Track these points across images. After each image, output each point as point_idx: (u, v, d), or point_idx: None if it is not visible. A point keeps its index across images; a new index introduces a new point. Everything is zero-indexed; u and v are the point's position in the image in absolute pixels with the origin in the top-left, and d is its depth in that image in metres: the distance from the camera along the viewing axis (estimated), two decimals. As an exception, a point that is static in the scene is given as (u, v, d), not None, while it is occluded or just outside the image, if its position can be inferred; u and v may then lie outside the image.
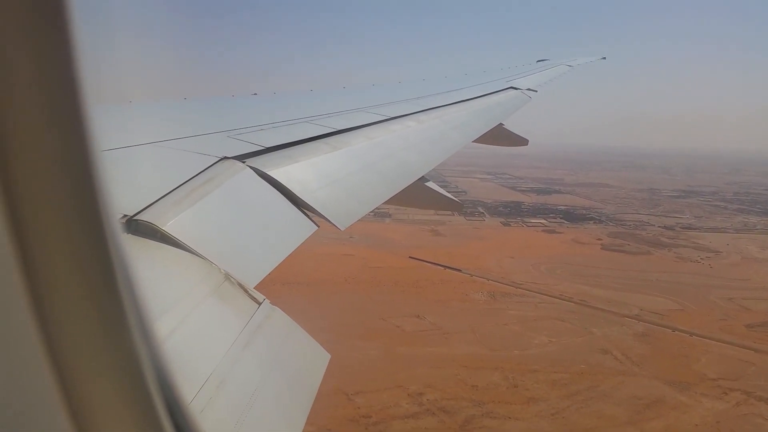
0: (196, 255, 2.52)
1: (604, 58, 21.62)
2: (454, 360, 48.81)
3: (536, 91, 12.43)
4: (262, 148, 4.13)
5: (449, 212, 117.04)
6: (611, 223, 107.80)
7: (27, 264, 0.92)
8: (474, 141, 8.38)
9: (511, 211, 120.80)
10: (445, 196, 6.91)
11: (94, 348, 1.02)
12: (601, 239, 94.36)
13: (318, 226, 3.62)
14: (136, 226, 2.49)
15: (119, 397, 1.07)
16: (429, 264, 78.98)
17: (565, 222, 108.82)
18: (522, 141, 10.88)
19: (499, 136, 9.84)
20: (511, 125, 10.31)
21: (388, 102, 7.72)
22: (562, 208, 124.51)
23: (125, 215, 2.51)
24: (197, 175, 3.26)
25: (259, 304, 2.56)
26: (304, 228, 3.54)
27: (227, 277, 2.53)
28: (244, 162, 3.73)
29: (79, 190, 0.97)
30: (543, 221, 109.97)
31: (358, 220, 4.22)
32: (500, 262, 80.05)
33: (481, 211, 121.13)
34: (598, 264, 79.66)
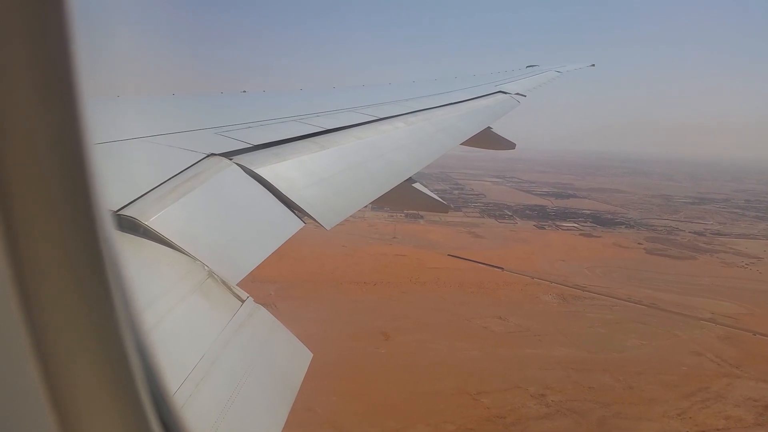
0: (180, 251, 2.53)
1: (593, 65, 21.72)
2: (557, 361, 49.39)
3: (525, 96, 12.52)
4: (250, 145, 4.13)
5: (480, 215, 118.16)
6: (643, 228, 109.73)
7: (15, 255, 0.91)
8: (462, 144, 8.42)
9: (539, 215, 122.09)
10: (432, 197, 6.99)
11: (80, 339, 1.02)
12: (641, 243, 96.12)
13: (305, 223, 3.65)
14: (119, 221, 2.49)
15: (105, 388, 1.06)
16: (485, 266, 79.53)
17: (598, 226, 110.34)
18: (509, 145, 10.88)
19: (486, 139, 9.91)
20: (499, 129, 10.34)
21: (377, 103, 7.73)
22: (588, 212, 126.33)
23: (109, 210, 2.82)
24: (183, 171, 3.24)
25: (243, 301, 2.57)
26: (290, 225, 3.55)
27: (211, 274, 2.54)
28: (231, 159, 3.73)
29: (71, 183, 0.96)
30: (575, 225, 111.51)
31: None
32: (553, 265, 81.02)
33: (510, 214, 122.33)
34: (649, 268, 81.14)
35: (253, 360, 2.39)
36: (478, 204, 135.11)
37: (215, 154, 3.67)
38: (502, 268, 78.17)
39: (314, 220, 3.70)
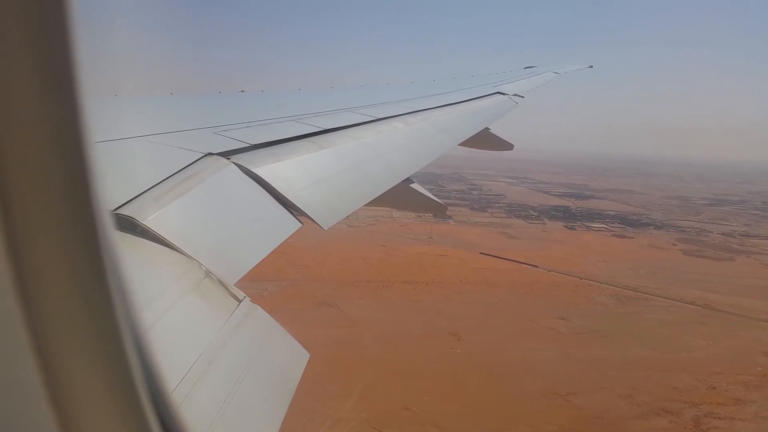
0: (177, 251, 2.52)
1: (591, 66, 21.72)
2: (633, 362, 49.59)
3: (523, 97, 12.53)
4: (248, 145, 4.13)
5: (507, 216, 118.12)
6: (671, 229, 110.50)
7: (14, 253, 0.91)
8: (460, 144, 8.37)
9: (565, 215, 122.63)
10: (430, 198, 7.00)
11: (80, 337, 1.02)
12: (675, 244, 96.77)
13: (302, 224, 3.64)
14: (116, 220, 2.48)
15: (104, 386, 1.07)
16: (529, 266, 79.78)
17: (627, 227, 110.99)
18: (507, 146, 10.89)
19: (485, 140, 9.93)
20: (497, 130, 10.36)
21: (375, 103, 7.71)
22: (612, 213, 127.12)
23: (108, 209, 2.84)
24: (181, 170, 3.24)
25: (240, 301, 2.58)
26: (288, 225, 3.54)
27: (208, 273, 2.54)
28: (229, 159, 3.72)
29: (71, 181, 0.97)
30: (604, 226, 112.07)
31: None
32: (596, 266, 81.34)
33: (536, 214, 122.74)
34: (691, 269, 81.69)
35: (250, 360, 2.39)
36: (501, 204, 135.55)
37: (213, 154, 3.66)
38: (547, 269, 78.47)
39: (312, 220, 3.69)
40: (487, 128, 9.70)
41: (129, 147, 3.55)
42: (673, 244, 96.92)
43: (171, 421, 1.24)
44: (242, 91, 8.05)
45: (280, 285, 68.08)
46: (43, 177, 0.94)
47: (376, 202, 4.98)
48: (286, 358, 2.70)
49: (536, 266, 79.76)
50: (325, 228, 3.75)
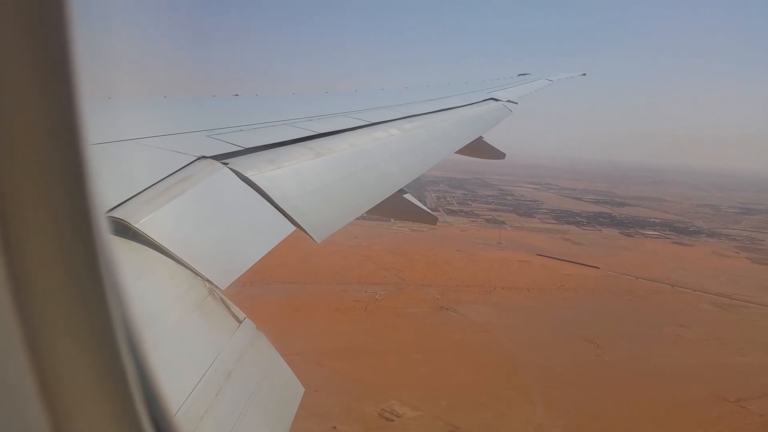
0: (183, 265, 2.50)
1: (584, 74, 22.12)
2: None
3: (516, 103, 12.61)
4: (242, 148, 4.10)
5: (557, 222, 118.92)
6: (723, 237, 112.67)
7: (8, 254, 0.91)
8: (454, 153, 8.44)
9: (613, 222, 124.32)
10: (422, 209, 7.11)
11: (75, 338, 1.02)
12: (738, 252, 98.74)
13: (296, 226, 3.61)
14: (108, 223, 2.76)
15: (99, 394, 1.07)
16: (613, 273, 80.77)
17: (681, 235, 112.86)
18: (499, 154, 11.00)
19: (478, 148, 9.96)
20: (491, 136, 10.46)
21: (370, 108, 7.66)
22: (656, 220, 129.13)
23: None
24: (173, 173, 3.22)
25: (240, 322, 2.56)
26: (282, 228, 3.50)
27: (211, 291, 2.51)
28: (222, 162, 3.70)
29: (67, 183, 0.97)
30: (657, 233, 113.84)
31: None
32: (676, 273, 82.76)
33: (585, 221, 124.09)
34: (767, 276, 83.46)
35: (251, 387, 2.36)
36: (545, 210, 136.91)
37: (206, 157, 3.64)
38: (636, 277, 79.55)
39: (306, 232, 3.60)
40: (480, 136, 9.72)
41: (121, 150, 3.52)
42: (736, 252, 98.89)
43: (166, 427, 1.25)
44: (236, 95, 8.05)
45: (386, 289, 68.29)
46: (38, 178, 0.93)
47: (369, 211, 4.97)
48: (284, 391, 2.62)
49: (625, 274, 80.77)
50: (318, 242, 3.62)
